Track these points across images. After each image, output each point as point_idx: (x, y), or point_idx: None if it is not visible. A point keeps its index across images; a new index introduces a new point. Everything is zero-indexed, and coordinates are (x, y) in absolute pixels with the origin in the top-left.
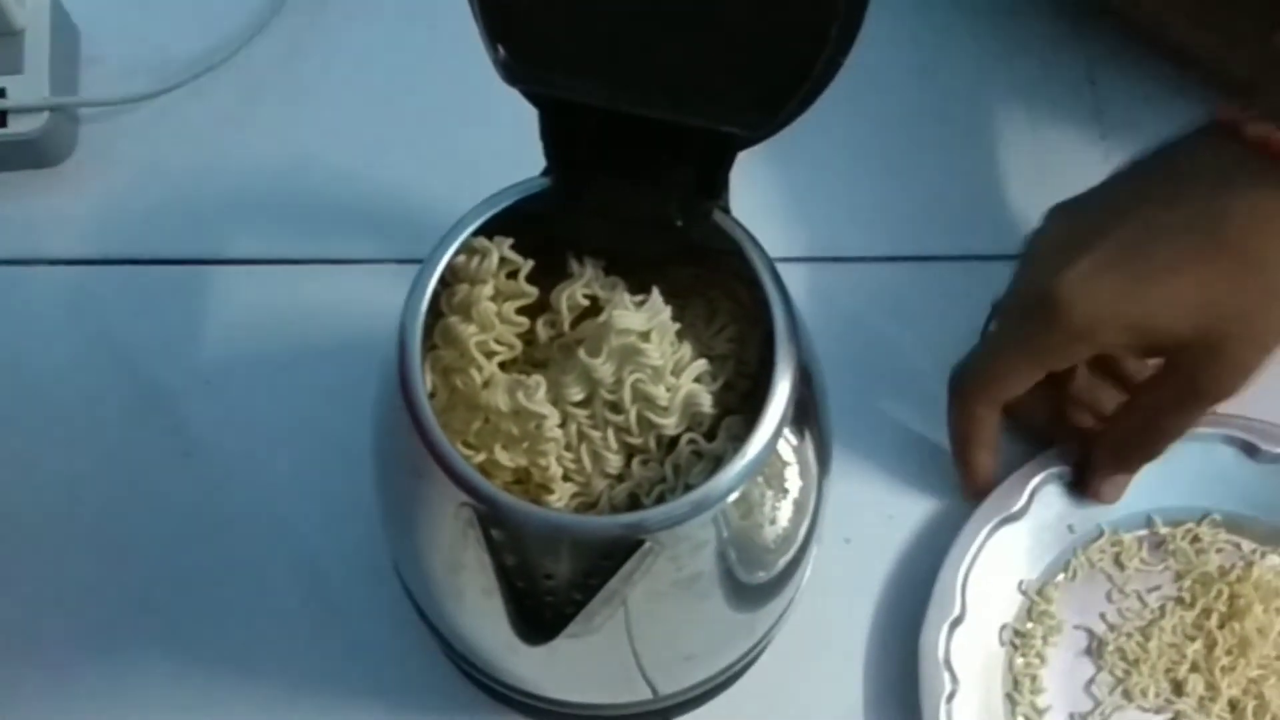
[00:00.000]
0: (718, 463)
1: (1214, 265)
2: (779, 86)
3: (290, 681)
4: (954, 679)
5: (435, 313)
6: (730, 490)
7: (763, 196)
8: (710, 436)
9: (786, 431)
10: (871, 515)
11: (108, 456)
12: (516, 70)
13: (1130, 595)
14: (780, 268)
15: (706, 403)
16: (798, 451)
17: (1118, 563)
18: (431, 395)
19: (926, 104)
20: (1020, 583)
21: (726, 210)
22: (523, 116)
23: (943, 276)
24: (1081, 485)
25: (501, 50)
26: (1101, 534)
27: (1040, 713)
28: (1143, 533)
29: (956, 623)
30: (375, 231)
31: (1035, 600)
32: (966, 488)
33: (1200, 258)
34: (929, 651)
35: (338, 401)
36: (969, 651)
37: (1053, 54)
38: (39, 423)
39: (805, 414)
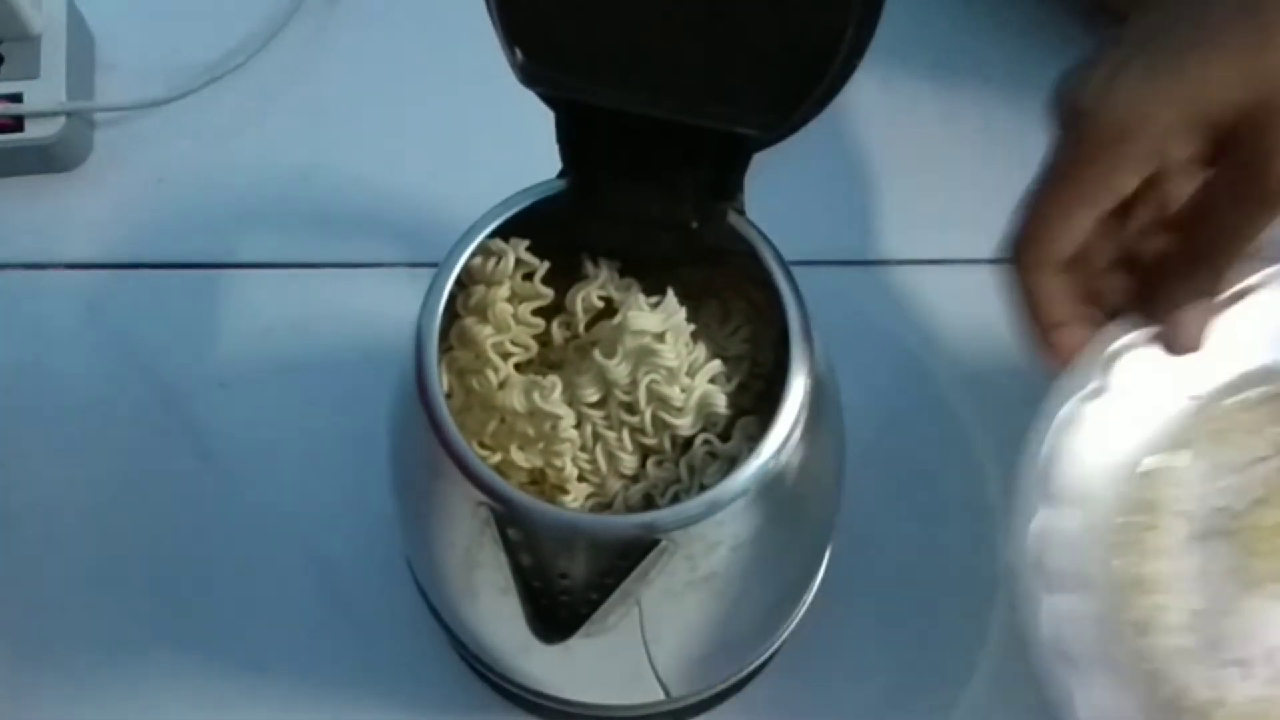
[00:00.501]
0: (733, 463)
1: (1255, 21)
2: (794, 88)
3: (303, 680)
4: (1049, 585)
5: (451, 315)
6: (745, 490)
7: (773, 200)
8: (725, 437)
9: (801, 431)
10: (885, 516)
11: (123, 459)
12: (533, 72)
13: (1243, 469)
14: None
15: (721, 403)
16: (813, 452)
17: (1223, 434)
18: (447, 396)
19: (937, 104)
20: (1117, 466)
21: (741, 212)
22: (535, 120)
23: (955, 279)
24: (1160, 338)
25: (519, 53)
26: (1205, 399)
27: (1154, 611)
28: (1253, 393)
29: (1045, 523)
30: (388, 235)
31: (1134, 486)
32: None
33: (1236, 24)
34: (1019, 558)
35: (352, 403)
36: (1064, 553)
37: (1065, 54)
38: (55, 425)
39: (820, 414)
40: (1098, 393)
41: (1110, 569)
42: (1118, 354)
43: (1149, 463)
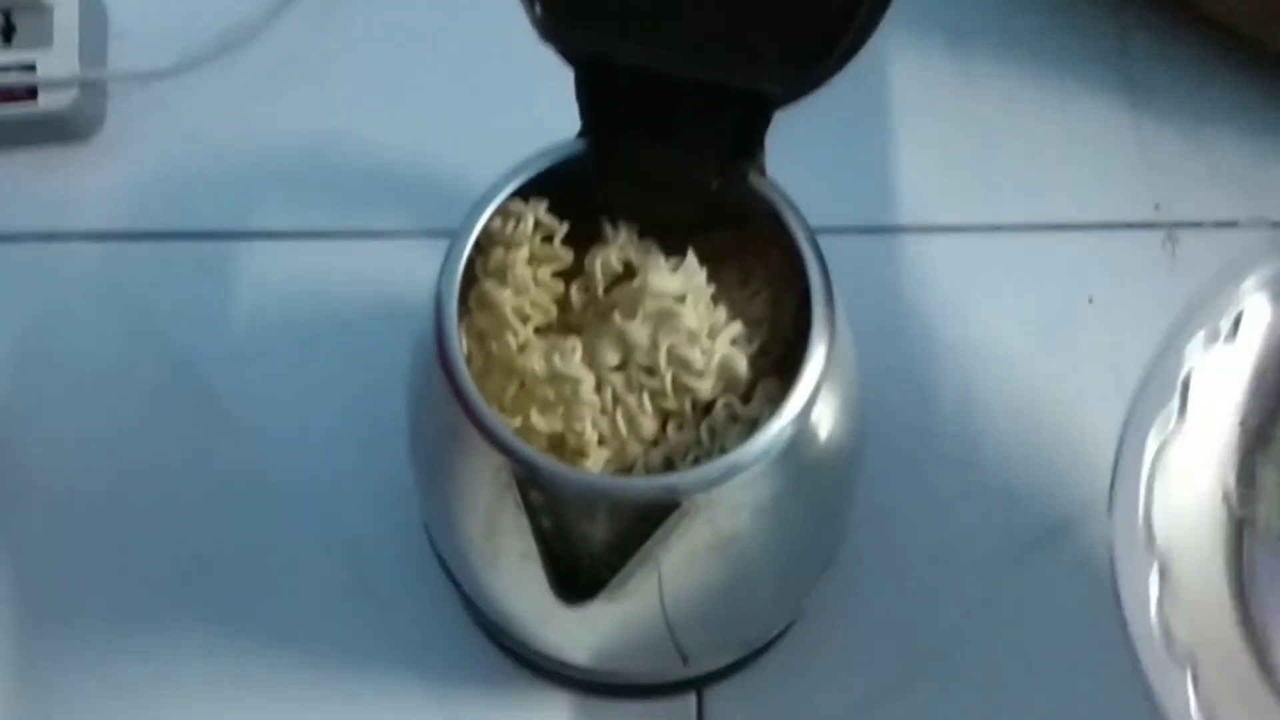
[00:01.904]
0: (754, 426)
1: None
2: (817, 43)
3: (321, 651)
4: (1163, 569)
5: (469, 278)
6: (767, 453)
7: (787, 168)
8: (745, 400)
9: (822, 395)
10: (906, 488)
11: (139, 430)
12: (553, 29)
13: None
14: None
15: (743, 366)
16: (834, 415)
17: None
18: (466, 361)
19: (954, 70)
20: (1240, 420)
21: (763, 173)
22: (550, 87)
23: (971, 247)
24: None
25: (538, 8)
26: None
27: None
28: None
29: (1159, 587)
30: (404, 204)
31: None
32: None
33: None
34: (1144, 638)
35: (368, 373)
36: (1187, 617)
37: (1083, 20)
38: (70, 397)
39: (840, 379)
40: (1175, 422)
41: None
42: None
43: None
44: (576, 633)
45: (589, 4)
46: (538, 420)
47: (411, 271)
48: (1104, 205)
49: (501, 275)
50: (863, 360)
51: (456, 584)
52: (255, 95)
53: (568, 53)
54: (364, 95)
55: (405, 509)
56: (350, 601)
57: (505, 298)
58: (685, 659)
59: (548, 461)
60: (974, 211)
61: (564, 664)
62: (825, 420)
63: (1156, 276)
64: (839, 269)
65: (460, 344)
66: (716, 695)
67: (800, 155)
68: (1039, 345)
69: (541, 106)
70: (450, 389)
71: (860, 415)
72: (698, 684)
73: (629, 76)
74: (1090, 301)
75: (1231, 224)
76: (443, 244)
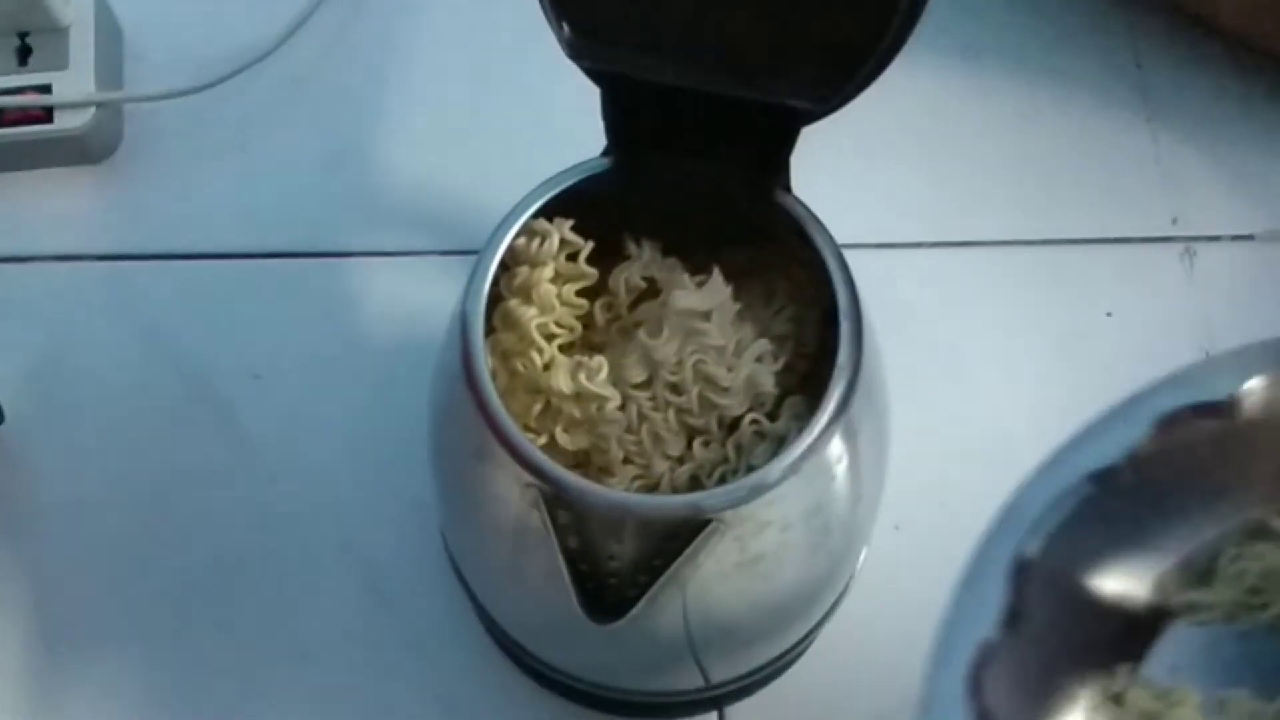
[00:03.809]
0: (781, 443)
1: None
2: (845, 60)
3: (339, 668)
4: None
5: (493, 297)
6: (794, 469)
7: (809, 186)
8: (772, 417)
9: (849, 411)
10: (924, 502)
11: (156, 450)
12: (580, 47)
13: None
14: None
15: (769, 383)
16: (858, 433)
17: None
18: (491, 379)
19: (970, 86)
20: None
21: (788, 190)
22: (568, 106)
23: (989, 261)
24: None
25: (566, 27)
26: None
27: None
28: None
29: None
30: (420, 223)
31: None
32: None
33: None
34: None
35: (384, 392)
36: None
37: (1098, 36)
38: (87, 417)
39: (866, 396)
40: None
41: None
42: None
43: None
44: (599, 650)
45: (617, 22)
46: (563, 438)
47: (429, 290)
48: (1121, 219)
49: (526, 293)
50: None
51: (474, 600)
52: (270, 116)
53: (596, 71)
54: (380, 115)
55: (421, 525)
56: (368, 619)
57: (530, 316)
58: (707, 676)
59: (576, 480)
60: (992, 226)
61: (582, 681)
62: (852, 434)
63: (1174, 290)
64: (859, 284)
65: (485, 362)
66: (738, 713)
67: (819, 172)
68: (1058, 359)
69: (557, 125)
70: (477, 408)
71: (886, 430)
72: (719, 701)
73: (656, 94)
74: (1109, 315)
75: (1248, 237)
76: (458, 262)
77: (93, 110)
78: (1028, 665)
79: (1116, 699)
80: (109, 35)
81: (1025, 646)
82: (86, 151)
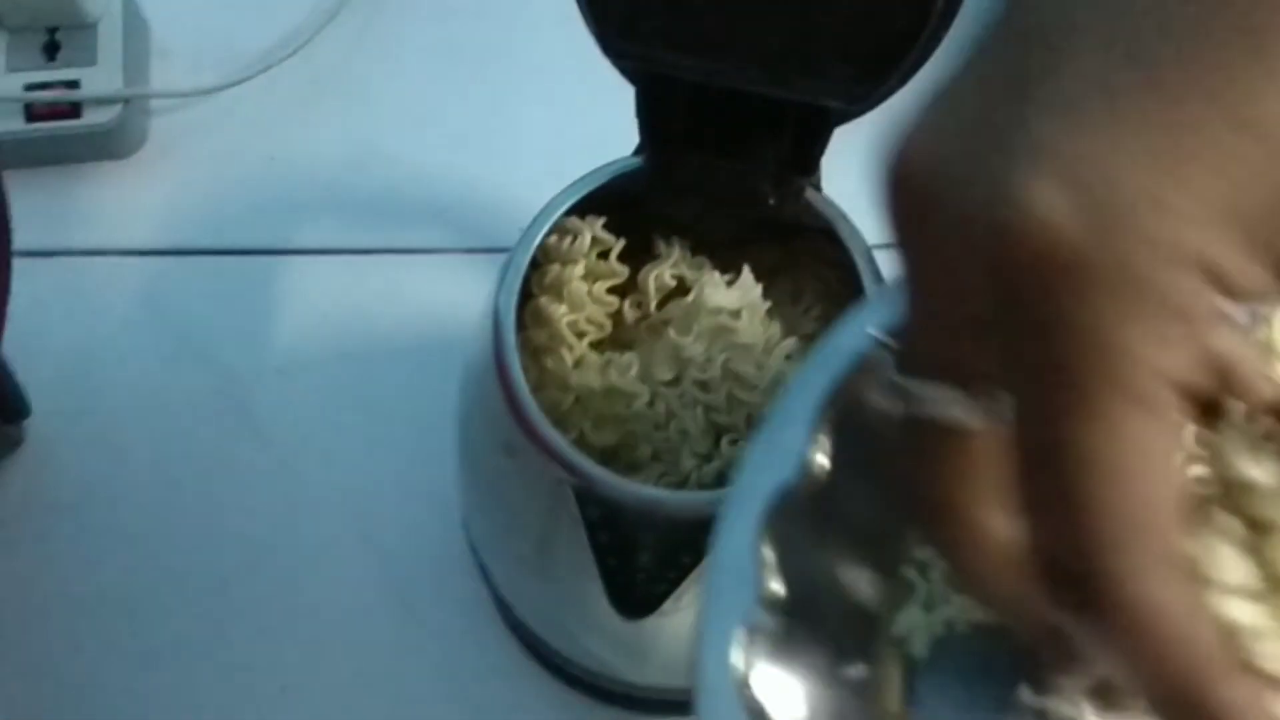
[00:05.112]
0: None
1: None
2: (881, 59)
3: (361, 664)
4: None
5: (523, 294)
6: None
7: (839, 185)
8: None
9: None
10: None
11: (181, 445)
12: (617, 45)
13: None
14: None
15: None
16: None
17: None
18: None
19: None
20: None
21: (818, 188)
22: (588, 105)
23: None
24: None
25: (602, 25)
26: None
27: None
28: None
29: None
30: (443, 220)
31: None
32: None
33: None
34: None
35: (408, 389)
36: None
37: None
38: (112, 412)
39: None
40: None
41: None
42: None
43: None
44: (624, 646)
45: (653, 21)
46: (591, 434)
47: (452, 288)
48: None
49: (557, 291)
50: None
51: (496, 594)
52: (296, 112)
53: (631, 69)
54: (404, 112)
55: (445, 523)
56: (391, 615)
57: (561, 313)
58: None
59: (607, 475)
60: None
61: (606, 677)
62: None
63: None
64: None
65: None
66: None
67: (849, 171)
68: None
69: (581, 123)
70: (508, 405)
71: None
72: None
73: (690, 92)
74: None
75: None
76: (483, 260)
77: (120, 106)
78: None
79: None
80: (136, 31)
81: None
82: (113, 147)
